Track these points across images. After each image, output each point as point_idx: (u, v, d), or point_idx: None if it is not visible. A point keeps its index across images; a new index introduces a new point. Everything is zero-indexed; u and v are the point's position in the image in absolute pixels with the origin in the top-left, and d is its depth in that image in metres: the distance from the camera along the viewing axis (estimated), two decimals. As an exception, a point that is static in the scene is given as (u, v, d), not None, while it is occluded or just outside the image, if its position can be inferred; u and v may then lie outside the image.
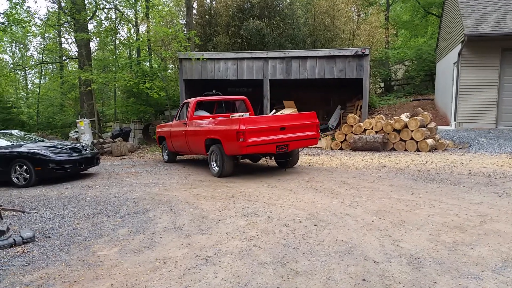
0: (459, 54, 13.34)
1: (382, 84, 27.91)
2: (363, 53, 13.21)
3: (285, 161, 8.93)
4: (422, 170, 8.09)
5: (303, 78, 14.12)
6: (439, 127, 12.99)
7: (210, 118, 9.53)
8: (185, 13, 19.48)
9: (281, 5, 17.90)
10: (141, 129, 17.47)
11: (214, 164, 8.53)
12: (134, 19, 23.36)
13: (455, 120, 13.72)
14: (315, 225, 4.75)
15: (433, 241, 4.09)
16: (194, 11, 19.74)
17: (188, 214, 5.50)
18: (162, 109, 19.08)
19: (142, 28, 25.18)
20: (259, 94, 15.09)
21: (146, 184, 7.92)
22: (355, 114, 13.88)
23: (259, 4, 17.44)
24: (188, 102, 10.04)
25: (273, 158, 9.15)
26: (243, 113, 9.85)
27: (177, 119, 10.58)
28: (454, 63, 14.51)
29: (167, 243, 4.39)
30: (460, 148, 10.94)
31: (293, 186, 7.02)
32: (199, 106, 10.51)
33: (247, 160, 10.33)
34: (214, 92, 11.75)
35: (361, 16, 25.42)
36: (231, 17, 17.97)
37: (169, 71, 22.49)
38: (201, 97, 10.24)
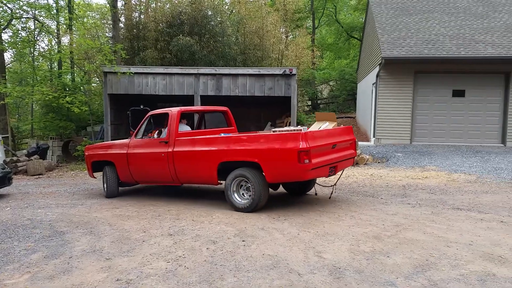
0: (377, 75, 14.38)
1: (309, 102, 29.15)
2: (291, 72, 13.68)
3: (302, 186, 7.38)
4: (344, 183, 8.50)
5: (234, 95, 14.25)
6: (360, 143, 13.78)
7: (221, 134, 7.39)
8: (111, 26, 18.82)
9: (211, 23, 17.99)
10: (60, 146, 16.37)
11: (238, 196, 6.41)
12: (56, 31, 22.10)
13: (374, 137, 14.67)
14: (243, 240, 4.74)
15: (353, 251, 4.28)
16: (121, 25, 19.16)
17: (110, 235, 5.20)
18: (84, 124, 18.11)
19: (65, 39, 23.91)
20: (189, 111, 14.91)
21: (64, 205, 7.37)
22: (284, 131, 14.21)
23: (189, 21, 17.40)
24: (167, 114, 7.47)
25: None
26: (299, 127, 7.79)
27: (139, 136, 7.81)
28: (373, 84, 15.59)
29: (85, 267, 4.10)
30: (379, 162, 11.68)
31: (222, 202, 6.97)
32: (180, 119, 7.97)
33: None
34: (142, 107, 11.35)
35: (289, 37, 26.44)
36: (160, 32, 17.69)
37: (93, 85, 21.47)
38: (184, 107, 8.05)
